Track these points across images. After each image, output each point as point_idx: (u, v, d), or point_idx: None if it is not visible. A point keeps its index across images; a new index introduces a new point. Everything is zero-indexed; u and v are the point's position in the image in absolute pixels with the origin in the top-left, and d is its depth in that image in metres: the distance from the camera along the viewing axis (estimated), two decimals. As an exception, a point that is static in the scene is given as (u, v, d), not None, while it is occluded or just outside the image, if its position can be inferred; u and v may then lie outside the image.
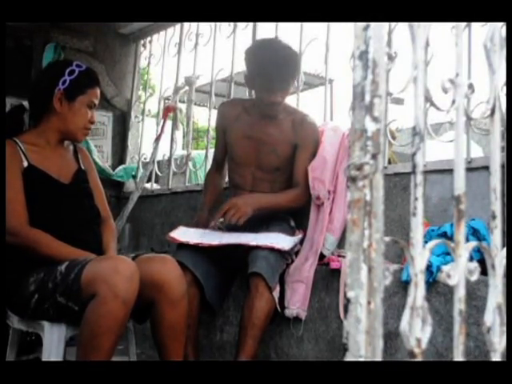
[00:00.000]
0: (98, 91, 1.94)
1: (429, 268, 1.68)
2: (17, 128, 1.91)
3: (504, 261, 0.83)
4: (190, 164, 3.29)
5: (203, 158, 3.27)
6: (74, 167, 1.94)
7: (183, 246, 2.11)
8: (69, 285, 1.60)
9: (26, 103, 1.98)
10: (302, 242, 2.21)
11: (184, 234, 2.17)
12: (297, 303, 2.10)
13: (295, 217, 2.33)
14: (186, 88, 3.19)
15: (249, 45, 2.37)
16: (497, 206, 0.83)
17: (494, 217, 0.83)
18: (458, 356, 0.73)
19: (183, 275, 1.80)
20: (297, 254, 2.18)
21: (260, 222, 2.21)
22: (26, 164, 1.79)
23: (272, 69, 2.14)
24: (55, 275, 1.64)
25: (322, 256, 2.16)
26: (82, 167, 1.98)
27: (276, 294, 2.00)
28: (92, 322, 1.53)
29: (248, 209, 2.14)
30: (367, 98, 0.62)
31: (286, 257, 2.09)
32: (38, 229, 1.73)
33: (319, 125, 2.42)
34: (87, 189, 1.95)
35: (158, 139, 3.22)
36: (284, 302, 2.11)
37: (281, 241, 2.07)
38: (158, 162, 3.44)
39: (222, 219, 2.15)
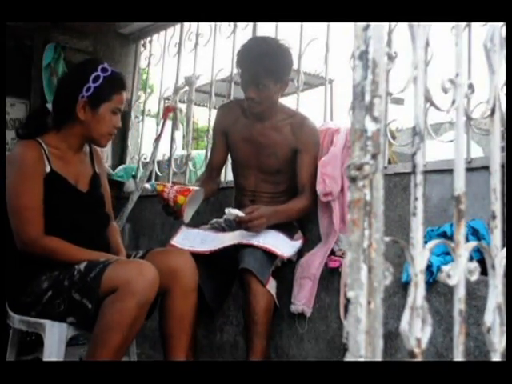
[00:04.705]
0: (124, 95, 1.86)
1: (429, 268, 1.68)
2: (40, 128, 1.82)
3: (504, 261, 0.83)
4: (190, 164, 3.29)
5: (203, 157, 3.27)
6: (90, 172, 1.91)
7: None
8: (87, 282, 1.61)
9: (49, 106, 1.92)
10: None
11: (185, 240, 2.14)
12: (302, 299, 2.11)
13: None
14: (186, 88, 3.18)
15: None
16: (497, 206, 0.83)
17: (493, 217, 0.83)
18: (458, 356, 0.73)
19: (197, 269, 1.83)
20: (298, 252, 2.17)
21: None
22: (48, 169, 1.75)
23: (244, 63, 2.15)
24: (72, 273, 1.65)
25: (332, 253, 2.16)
26: (97, 171, 1.95)
27: (272, 289, 1.97)
28: (105, 315, 1.56)
29: (266, 224, 2.07)
30: (367, 97, 0.62)
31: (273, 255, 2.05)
32: (52, 235, 1.71)
33: (319, 126, 2.38)
34: (102, 197, 1.94)
35: (158, 139, 3.21)
36: (291, 297, 2.12)
37: (281, 246, 2.05)
38: (158, 162, 3.43)
39: (240, 215, 2.02)
